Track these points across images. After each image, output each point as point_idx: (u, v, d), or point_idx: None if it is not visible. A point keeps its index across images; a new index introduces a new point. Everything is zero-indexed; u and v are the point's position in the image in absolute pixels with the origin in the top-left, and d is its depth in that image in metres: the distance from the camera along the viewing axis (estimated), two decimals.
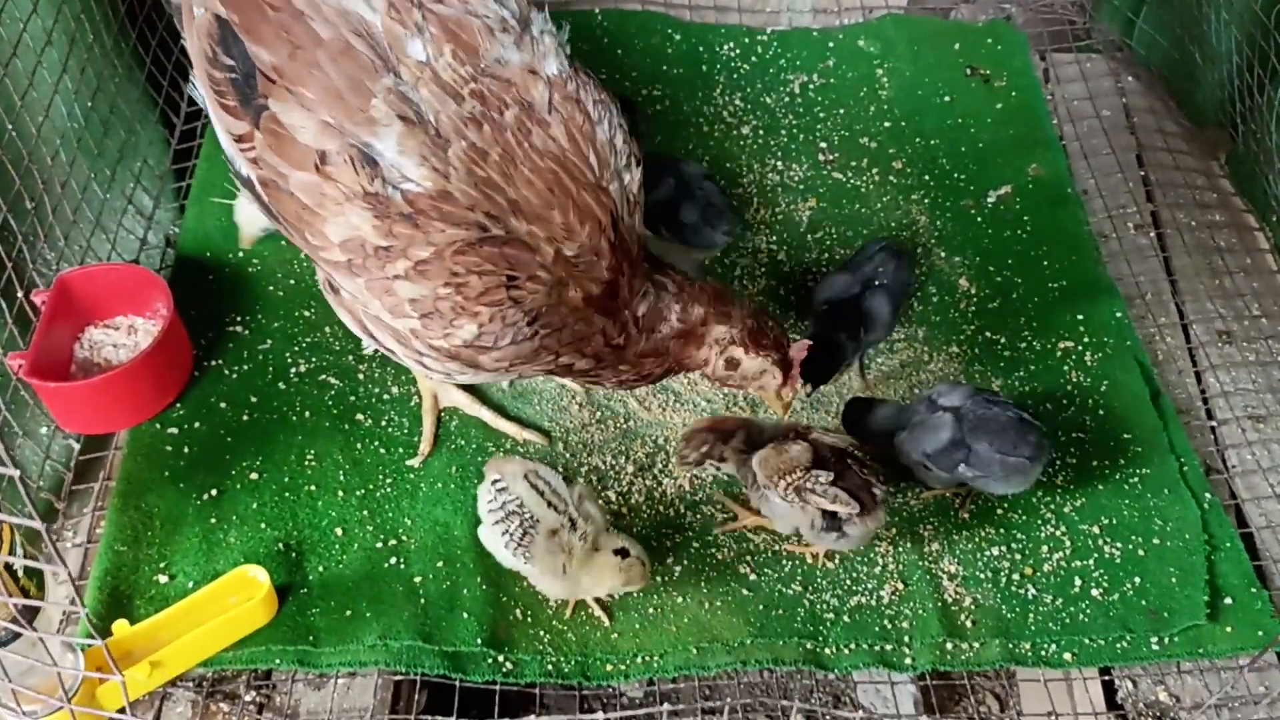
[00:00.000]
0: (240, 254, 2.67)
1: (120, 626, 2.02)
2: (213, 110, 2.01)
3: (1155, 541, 2.31)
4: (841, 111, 3.14)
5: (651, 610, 2.19)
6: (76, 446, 2.38)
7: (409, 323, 1.94)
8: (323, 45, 1.87)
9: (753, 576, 2.25)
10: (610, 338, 2.07)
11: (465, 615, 2.14)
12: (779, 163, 3.01)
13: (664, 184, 2.55)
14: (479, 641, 2.11)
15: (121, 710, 1.88)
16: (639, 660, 2.14)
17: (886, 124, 3.11)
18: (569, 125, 1.97)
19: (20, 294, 2.31)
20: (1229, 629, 2.20)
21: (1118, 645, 2.19)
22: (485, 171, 1.89)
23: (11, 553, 1.72)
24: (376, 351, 2.39)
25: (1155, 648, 2.18)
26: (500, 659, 2.11)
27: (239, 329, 2.55)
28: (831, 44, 3.29)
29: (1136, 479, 2.41)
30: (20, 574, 1.72)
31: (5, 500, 2.03)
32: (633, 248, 2.06)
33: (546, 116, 1.96)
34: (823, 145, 3.06)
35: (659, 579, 2.23)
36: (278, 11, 1.89)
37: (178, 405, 2.40)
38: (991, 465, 2.22)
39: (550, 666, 2.12)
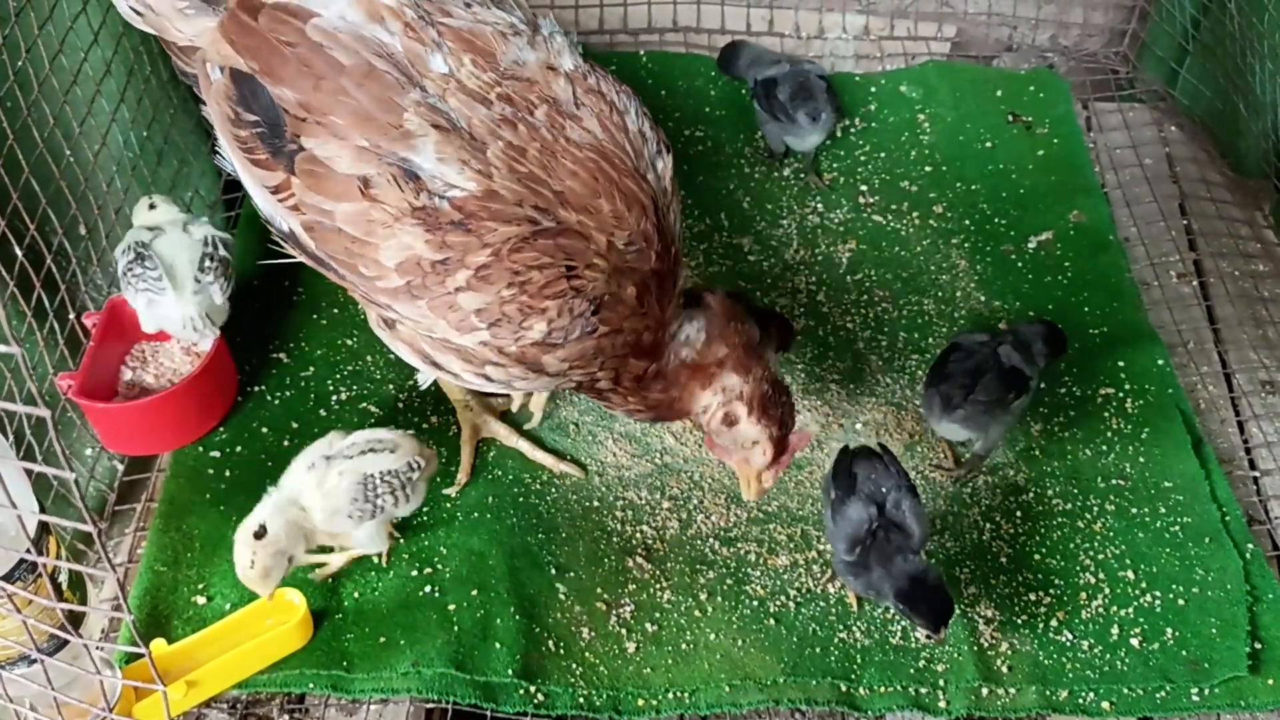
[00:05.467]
0: (286, 283, 2.72)
1: (158, 645, 2.04)
2: (243, 170, 2.03)
3: (1196, 591, 2.28)
4: (883, 155, 3.16)
5: (685, 646, 2.19)
6: (121, 468, 2.41)
7: (478, 336, 1.94)
8: (345, 71, 1.89)
9: (787, 615, 2.24)
10: (644, 348, 2.05)
11: (498, 645, 2.14)
12: (819, 204, 3.03)
13: (775, 66, 3.07)
14: (511, 672, 2.11)
15: None
16: (671, 696, 2.13)
17: (927, 168, 3.12)
18: (600, 118, 1.98)
19: (72, 316, 2.36)
20: (1270, 681, 2.16)
21: (1157, 695, 2.15)
22: (527, 167, 1.90)
23: (54, 579, 1.74)
24: (432, 384, 2.42)
25: (1195, 699, 2.15)
26: (532, 690, 2.11)
27: (282, 356, 2.58)
28: (874, 89, 3.31)
29: (1177, 527, 2.38)
30: (64, 588, 1.74)
31: (54, 512, 2.06)
32: (673, 243, 2.05)
33: (575, 110, 1.97)
34: (863, 188, 3.07)
35: (695, 613, 2.22)
36: (295, 48, 1.91)
37: (221, 429, 2.43)
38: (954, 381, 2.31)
39: (581, 699, 2.12)
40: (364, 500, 2.08)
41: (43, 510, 1.66)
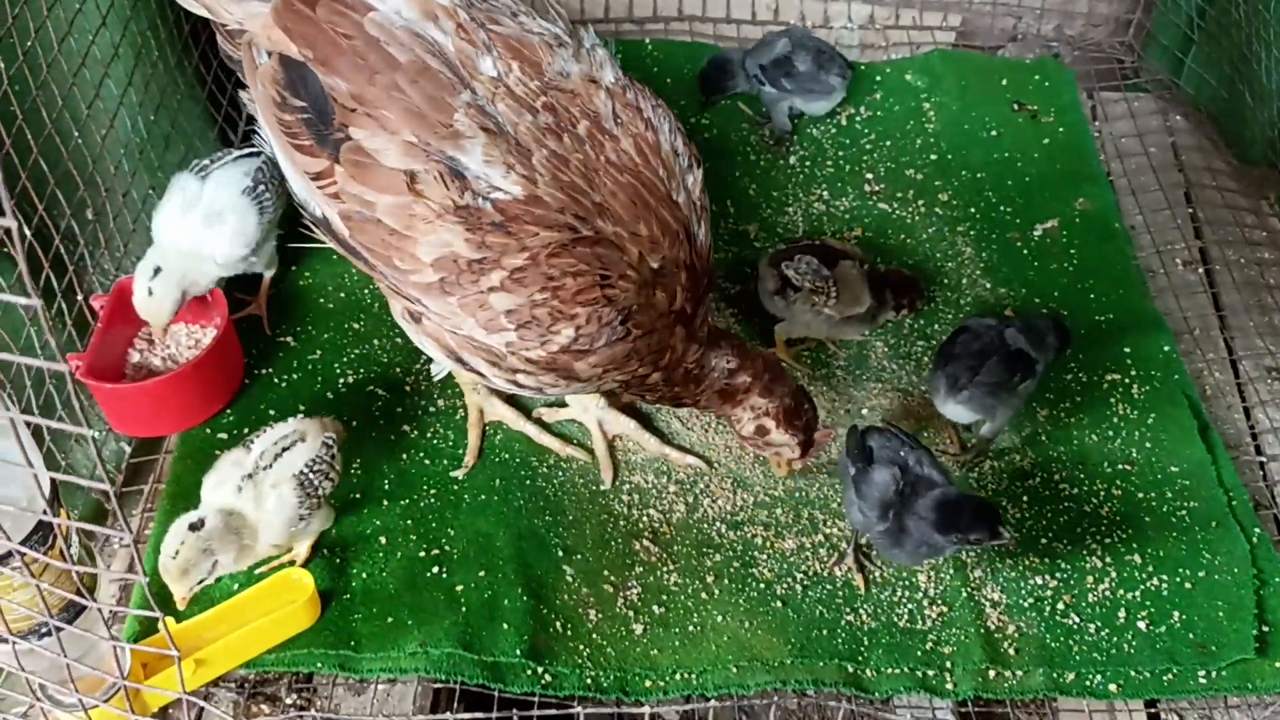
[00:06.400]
0: (292, 268, 2.72)
1: (166, 623, 2.03)
2: (284, 153, 2.04)
3: (1202, 574, 2.28)
4: (888, 144, 3.16)
5: (692, 628, 2.19)
6: (128, 449, 2.41)
7: (505, 337, 1.96)
8: (400, 68, 1.91)
9: (794, 597, 2.24)
10: (683, 355, 2.11)
11: (505, 626, 2.14)
12: (825, 192, 3.03)
13: (779, 43, 3.09)
14: (518, 653, 2.11)
15: (168, 708, 1.90)
16: (678, 677, 2.13)
17: (933, 156, 3.12)
18: (637, 140, 2.01)
19: (80, 298, 2.36)
20: (1278, 663, 2.16)
21: (1164, 678, 2.15)
22: (569, 176, 1.93)
23: (68, 545, 1.74)
24: (446, 375, 2.43)
25: (1202, 681, 2.15)
26: (539, 671, 2.11)
27: (289, 339, 2.58)
28: (879, 77, 3.31)
29: (1184, 512, 2.38)
30: (74, 554, 1.74)
31: (64, 497, 2.06)
32: (705, 268, 2.10)
33: (614, 130, 2.00)
34: (869, 176, 3.07)
35: (702, 595, 2.22)
36: (351, 40, 1.94)
37: (228, 412, 2.43)
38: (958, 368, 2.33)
39: (589, 680, 2.12)
40: (308, 497, 2.08)
41: (54, 487, 1.66)
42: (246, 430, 2.39)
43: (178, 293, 2.33)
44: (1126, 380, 2.61)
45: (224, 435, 2.40)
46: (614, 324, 1.96)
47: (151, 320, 2.36)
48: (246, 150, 2.49)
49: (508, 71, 1.97)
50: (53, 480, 1.54)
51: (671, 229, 2.02)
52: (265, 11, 2.02)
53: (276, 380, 2.51)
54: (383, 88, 1.91)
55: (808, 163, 3.10)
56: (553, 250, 1.90)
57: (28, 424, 1.33)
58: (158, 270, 2.32)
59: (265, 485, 2.04)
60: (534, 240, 1.89)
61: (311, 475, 2.08)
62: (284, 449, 2.09)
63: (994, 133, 3.18)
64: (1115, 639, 2.19)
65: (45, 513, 1.29)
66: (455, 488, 2.36)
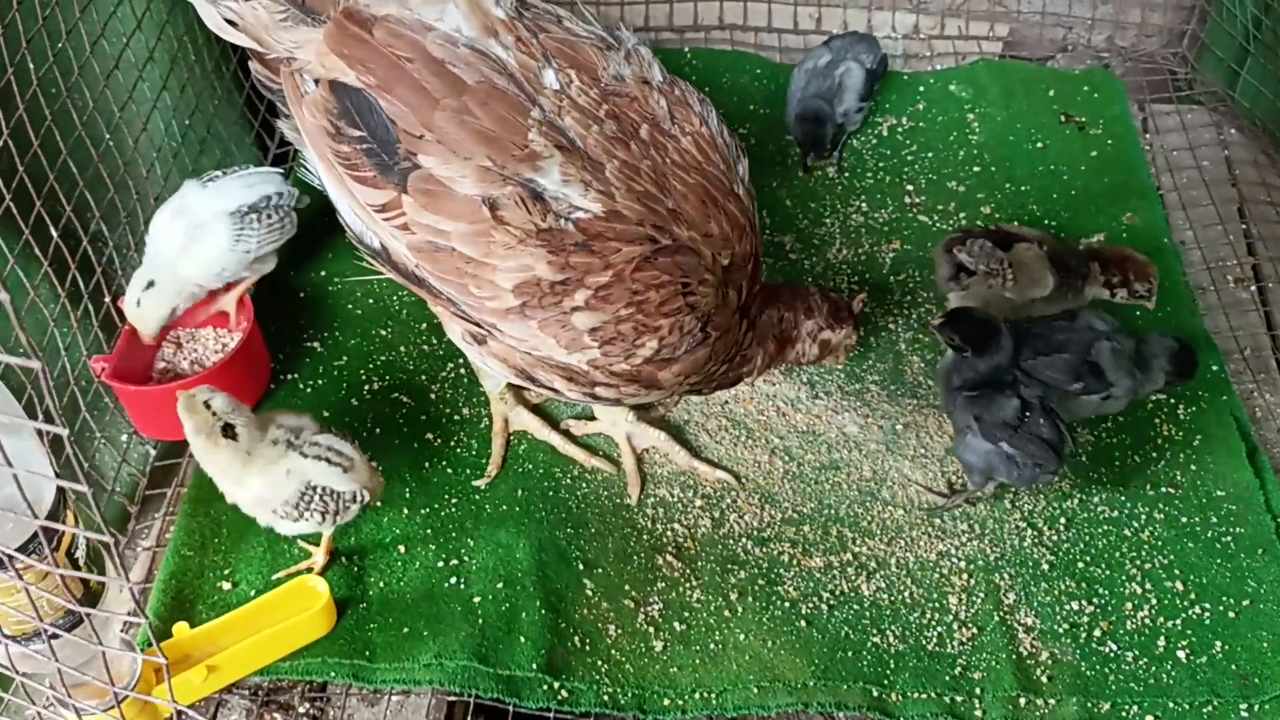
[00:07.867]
0: (321, 273, 2.71)
1: (180, 629, 2.03)
2: (339, 186, 1.96)
3: (1247, 603, 2.19)
4: (930, 155, 3.10)
5: (713, 646, 2.14)
6: (153, 453, 2.41)
7: (587, 355, 1.92)
8: (468, 90, 1.85)
9: (818, 617, 2.18)
10: (742, 341, 2.11)
11: (523, 639, 2.11)
12: (864, 204, 2.98)
13: (845, 70, 3.04)
14: (535, 667, 2.07)
15: (179, 714, 1.89)
16: (697, 696, 2.08)
17: (976, 169, 3.06)
18: (694, 137, 1.97)
19: (108, 300, 2.37)
20: None
21: (1204, 710, 2.07)
22: (642, 185, 1.89)
23: (74, 540, 1.73)
24: (468, 375, 2.40)
25: (1244, 715, 2.06)
26: (556, 686, 2.07)
27: (316, 345, 2.57)
28: (922, 88, 3.25)
29: (1229, 538, 2.29)
30: (81, 556, 1.73)
31: (82, 503, 2.05)
32: (760, 256, 2.09)
33: (673, 130, 1.96)
34: (909, 188, 3.01)
35: (724, 612, 2.17)
36: (413, 64, 1.86)
37: None
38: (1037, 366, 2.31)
39: (606, 697, 2.07)
40: (294, 507, 2.01)
41: (60, 492, 1.64)
42: None
43: (167, 310, 2.33)
44: (1172, 400, 2.53)
45: None
46: (695, 331, 1.94)
47: (140, 330, 2.35)
48: (264, 170, 2.47)
49: (569, 83, 1.91)
50: (59, 486, 1.52)
51: (739, 224, 1.99)
52: (317, 38, 1.93)
53: (302, 385, 2.50)
54: (451, 112, 1.83)
55: (847, 174, 3.05)
56: (636, 265, 1.86)
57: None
58: (150, 284, 2.31)
59: (282, 463, 2.00)
60: (617, 257, 1.85)
61: (317, 498, 2.02)
62: (328, 459, 2.03)
63: (1040, 144, 3.10)
64: (1154, 668, 2.11)
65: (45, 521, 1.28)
66: (477, 497, 2.33)
